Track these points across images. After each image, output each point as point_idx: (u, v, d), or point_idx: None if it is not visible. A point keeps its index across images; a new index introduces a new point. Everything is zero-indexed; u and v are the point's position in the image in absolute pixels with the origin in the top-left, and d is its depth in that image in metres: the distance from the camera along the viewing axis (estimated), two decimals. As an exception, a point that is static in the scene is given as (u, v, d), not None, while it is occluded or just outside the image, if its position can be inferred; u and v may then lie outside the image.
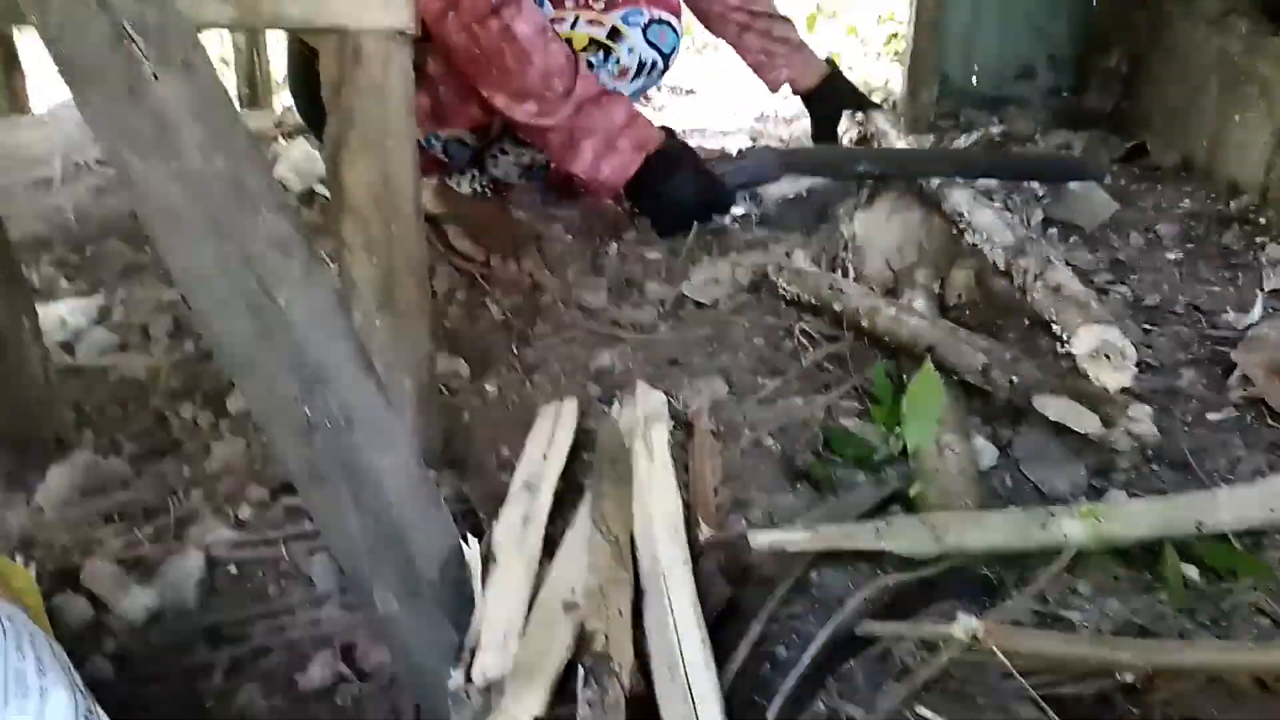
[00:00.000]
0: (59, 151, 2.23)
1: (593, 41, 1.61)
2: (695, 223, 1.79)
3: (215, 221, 0.74)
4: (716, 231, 1.99)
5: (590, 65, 1.62)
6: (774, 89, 2.17)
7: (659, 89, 3.13)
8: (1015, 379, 1.27)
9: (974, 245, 1.51)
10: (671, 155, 1.65)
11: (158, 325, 1.60)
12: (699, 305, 1.73)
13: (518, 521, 1.03)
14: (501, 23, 1.43)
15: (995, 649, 0.72)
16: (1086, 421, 1.19)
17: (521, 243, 1.82)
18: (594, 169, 1.61)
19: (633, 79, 1.67)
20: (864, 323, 1.48)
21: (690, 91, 3.16)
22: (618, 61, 1.65)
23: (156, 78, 0.71)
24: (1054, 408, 1.22)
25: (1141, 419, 1.20)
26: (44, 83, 2.96)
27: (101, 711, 0.69)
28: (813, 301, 1.57)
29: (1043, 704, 0.79)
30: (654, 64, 1.67)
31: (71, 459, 1.26)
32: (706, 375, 1.49)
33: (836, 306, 1.52)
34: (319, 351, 0.78)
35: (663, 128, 1.68)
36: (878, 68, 3.11)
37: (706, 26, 2.17)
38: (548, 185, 2.17)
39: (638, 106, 1.67)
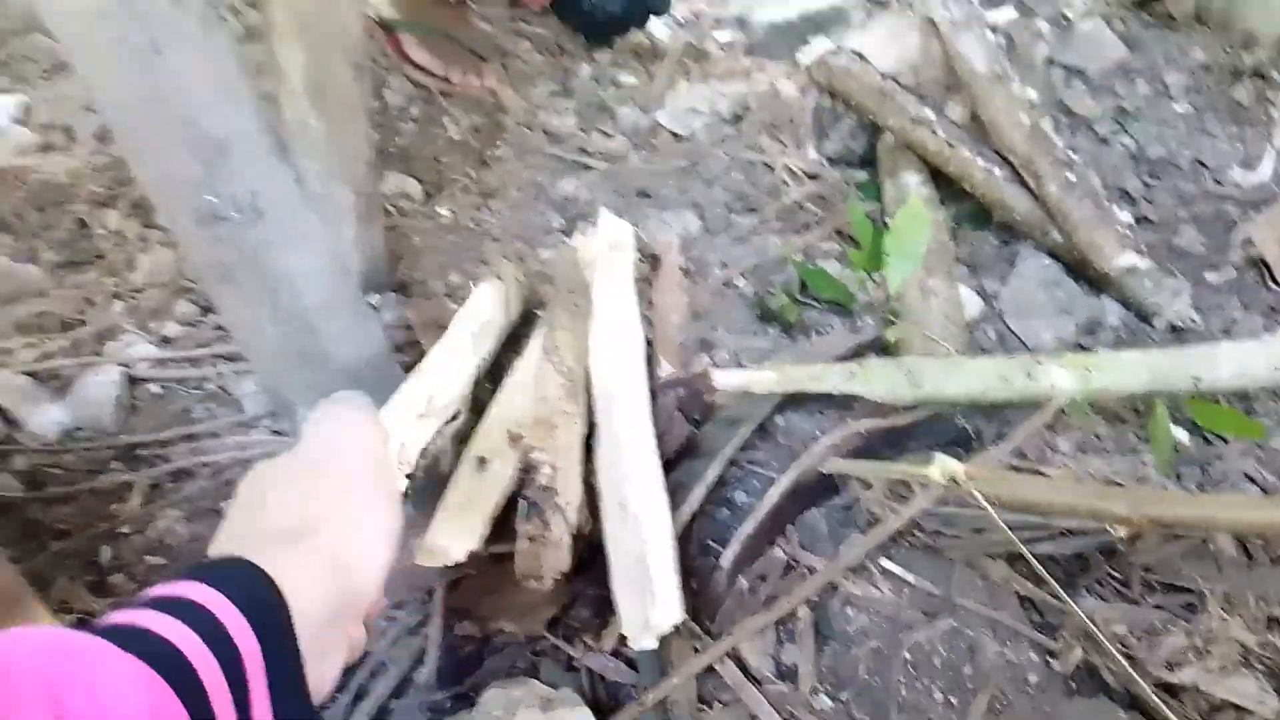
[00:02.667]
0: (-23, -66, 2.01)
1: None
2: (629, 28, 1.63)
3: (91, -45, 0.61)
4: (698, 56, 1.84)
5: None
6: None
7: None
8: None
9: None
10: None
11: (83, 126, 1.45)
12: (675, 135, 1.60)
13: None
14: None
15: (975, 493, 0.65)
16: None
17: (486, 57, 1.67)
18: None
19: None
20: (895, 123, 1.36)
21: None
22: None
23: None
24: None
25: (1182, 298, 1.14)
26: None
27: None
28: (847, 98, 1.45)
29: (1030, 558, 0.73)
30: None
31: (-20, 264, 1.14)
32: (678, 209, 1.38)
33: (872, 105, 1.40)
34: (220, 125, 0.67)
35: None
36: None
37: None
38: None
39: None
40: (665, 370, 0.98)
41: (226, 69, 0.68)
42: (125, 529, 0.93)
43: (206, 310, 1.15)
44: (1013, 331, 1.23)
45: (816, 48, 1.52)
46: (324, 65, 1.00)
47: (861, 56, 1.44)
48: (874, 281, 1.25)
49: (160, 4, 0.64)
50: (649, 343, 1.05)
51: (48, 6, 0.65)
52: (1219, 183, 1.52)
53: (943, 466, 0.66)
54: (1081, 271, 1.26)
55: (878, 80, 1.39)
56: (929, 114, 1.34)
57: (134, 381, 1.04)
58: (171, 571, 0.41)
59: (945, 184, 1.35)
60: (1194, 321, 1.18)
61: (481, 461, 0.82)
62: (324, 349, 0.76)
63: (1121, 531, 0.67)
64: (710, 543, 0.89)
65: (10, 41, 1.75)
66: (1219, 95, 1.79)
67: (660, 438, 0.89)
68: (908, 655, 0.79)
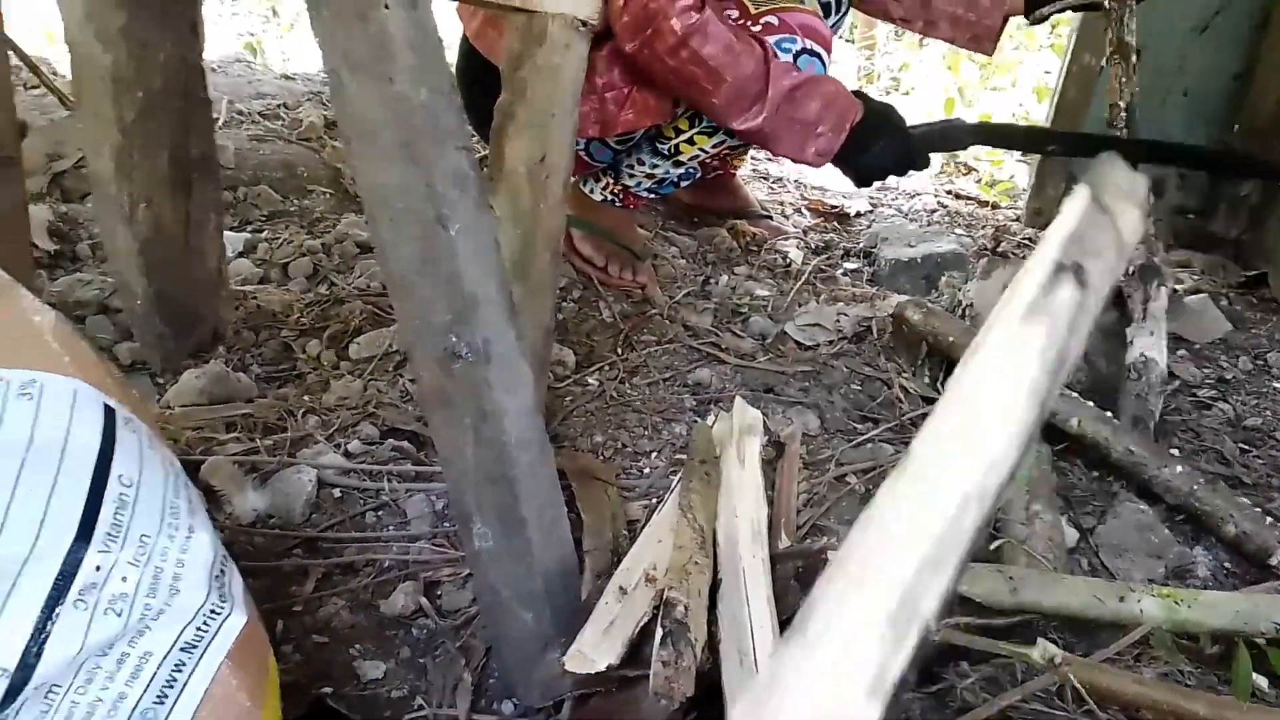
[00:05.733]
0: (225, 98, 2.38)
1: None
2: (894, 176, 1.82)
3: (409, 147, 0.81)
4: (826, 279, 2.03)
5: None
6: (995, 37, 1.93)
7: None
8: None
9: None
10: (870, 127, 1.69)
11: (298, 267, 1.70)
12: (800, 345, 1.77)
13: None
14: (690, 50, 1.53)
15: (1071, 678, 0.74)
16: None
17: (640, 256, 1.89)
18: (800, 153, 1.68)
19: None
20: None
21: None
22: None
23: (387, 6, 0.79)
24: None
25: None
26: (219, 35, 3.17)
27: (234, 564, 0.76)
28: (940, 343, 1.59)
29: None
30: None
31: (205, 367, 1.35)
32: (800, 408, 1.52)
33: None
34: (474, 285, 0.84)
35: (856, 93, 1.71)
36: (1005, 164, 3.14)
37: (894, 19, 2.05)
38: (669, 203, 2.25)
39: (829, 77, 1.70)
40: (784, 543, 1.09)
41: (486, 243, 0.86)
42: (298, 608, 1.06)
43: (385, 435, 1.32)
44: (1105, 566, 1.30)
45: (895, 296, 1.68)
46: (530, 248, 1.20)
47: (928, 309, 1.60)
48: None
49: (450, 189, 0.84)
50: (769, 518, 1.16)
51: (364, 180, 0.86)
52: (1315, 457, 1.59)
53: (1044, 650, 0.75)
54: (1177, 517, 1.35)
55: (959, 328, 1.55)
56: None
57: (321, 484, 1.20)
58: None
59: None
60: None
61: (623, 591, 0.94)
62: (511, 476, 0.91)
63: (1197, 731, 0.74)
64: (810, 705, 0.97)
65: (240, 188, 2.05)
66: (1319, 378, 1.88)
67: (776, 602, 1.00)
68: (988, 837, 0.85)
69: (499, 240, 1.20)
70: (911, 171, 1.81)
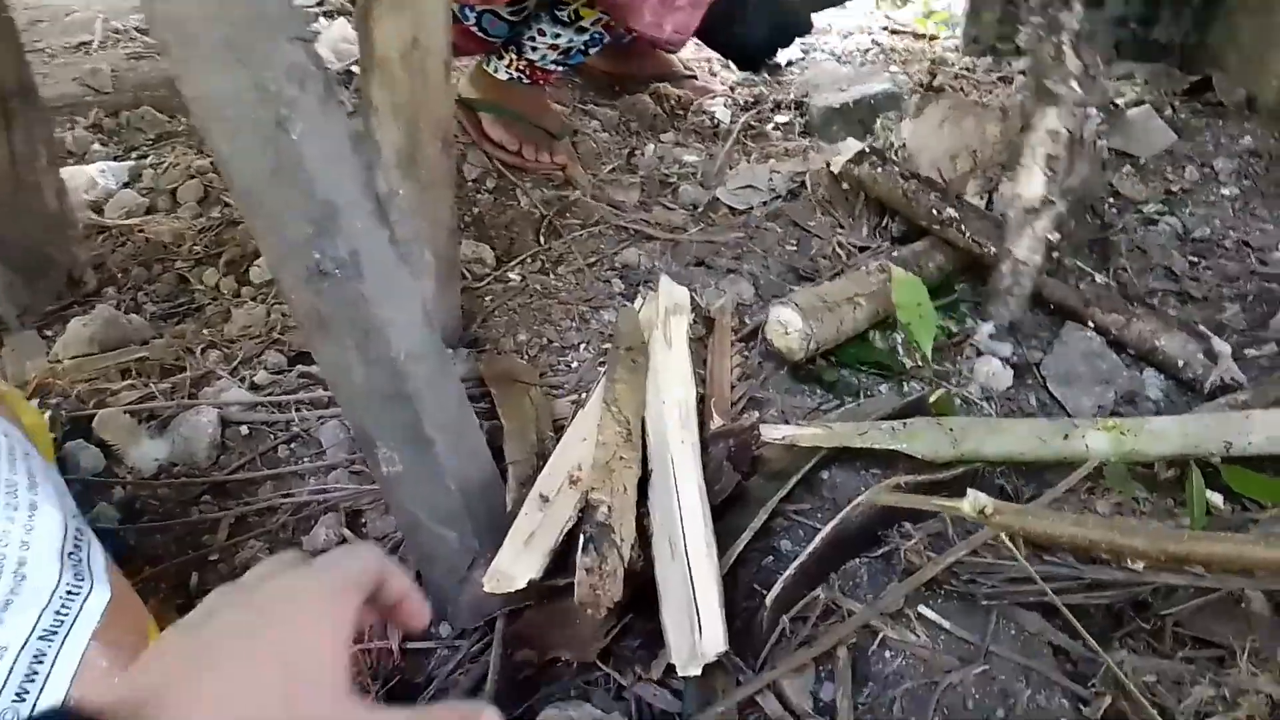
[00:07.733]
0: (99, 16, 2.20)
1: None
2: (778, 50, 1.74)
3: (231, 44, 0.71)
4: (757, 136, 1.94)
5: None
6: None
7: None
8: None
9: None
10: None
11: (187, 191, 1.59)
12: (733, 210, 1.69)
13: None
14: None
15: (1001, 531, 0.70)
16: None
17: (557, 135, 1.78)
18: (656, 29, 1.54)
19: None
20: (925, 222, 1.43)
21: None
22: None
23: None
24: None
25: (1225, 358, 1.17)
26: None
27: (93, 535, 0.69)
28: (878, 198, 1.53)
29: (1061, 606, 0.77)
30: None
31: (92, 313, 1.26)
32: (734, 277, 1.46)
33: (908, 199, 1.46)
34: (331, 192, 0.76)
35: None
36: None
37: None
38: (585, 74, 2.12)
39: None
40: (716, 424, 1.04)
41: (339, 143, 0.77)
42: (213, 558, 1.01)
43: (293, 361, 1.25)
44: (1055, 398, 1.27)
45: (844, 151, 1.60)
46: (415, 141, 1.10)
47: (883, 157, 1.51)
48: (916, 351, 1.30)
49: (286, 87, 0.74)
50: (701, 398, 1.11)
51: (189, 90, 0.76)
52: (1264, 263, 1.55)
53: (974, 502, 0.71)
54: (1124, 345, 1.30)
55: (901, 183, 1.47)
56: (953, 213, 1.40)
57: (226, 423, 1.13)
58: None
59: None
60: (1235, 380, 1.21)
61: (544, 499, 0.89)
62: (407, 392, 0.84)
63: (1140, 565, 0.71)
64: (755, 586, 0.94)
65: (122, 113, 1.91)
66: (1267, 180, 1.83)
67: (710, 486, 0.96)
68: (942, 698, 0.83)
69: (380, 137, 1.12)
70: (797, 39, 1.69)
